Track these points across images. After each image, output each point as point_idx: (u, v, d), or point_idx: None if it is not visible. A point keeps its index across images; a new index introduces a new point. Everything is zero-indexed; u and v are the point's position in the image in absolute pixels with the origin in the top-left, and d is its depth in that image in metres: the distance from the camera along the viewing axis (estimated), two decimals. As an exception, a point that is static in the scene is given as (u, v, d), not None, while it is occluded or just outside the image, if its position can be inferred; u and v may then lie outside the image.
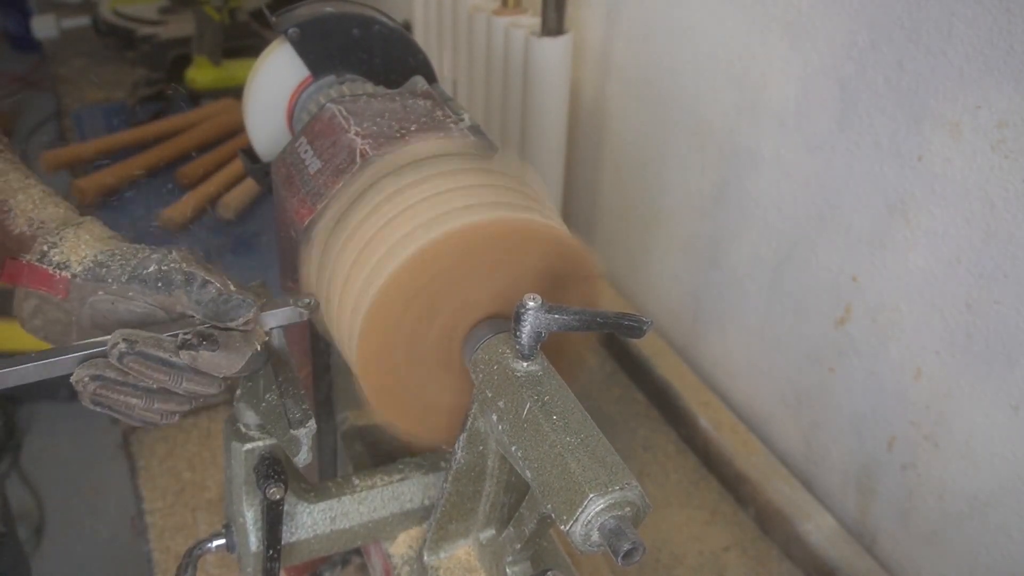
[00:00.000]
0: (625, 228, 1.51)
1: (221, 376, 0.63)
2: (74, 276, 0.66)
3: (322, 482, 0.77)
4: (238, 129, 1.83)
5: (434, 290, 0.65)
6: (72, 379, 0.61)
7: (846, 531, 1.10)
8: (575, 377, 0.69)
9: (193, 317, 0.64)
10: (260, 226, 1.69)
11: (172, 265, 0.65)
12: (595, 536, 0.52)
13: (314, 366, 0.85)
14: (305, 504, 0.74)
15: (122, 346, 0.60)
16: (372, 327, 0.65)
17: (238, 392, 0.70)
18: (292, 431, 0.62)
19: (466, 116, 0.80)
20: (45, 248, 0.67)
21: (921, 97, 0.92)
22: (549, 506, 0.54)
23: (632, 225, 1.49)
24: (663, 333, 1.44)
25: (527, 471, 0.56)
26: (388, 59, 0.91)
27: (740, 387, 1.30)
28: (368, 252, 0.67)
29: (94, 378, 0.61)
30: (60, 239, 0.67)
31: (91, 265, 0.66)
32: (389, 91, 0.86)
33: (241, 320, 0.64)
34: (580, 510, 0.52)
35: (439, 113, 0.80)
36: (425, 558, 0.74)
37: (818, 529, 1.10)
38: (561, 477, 0.54)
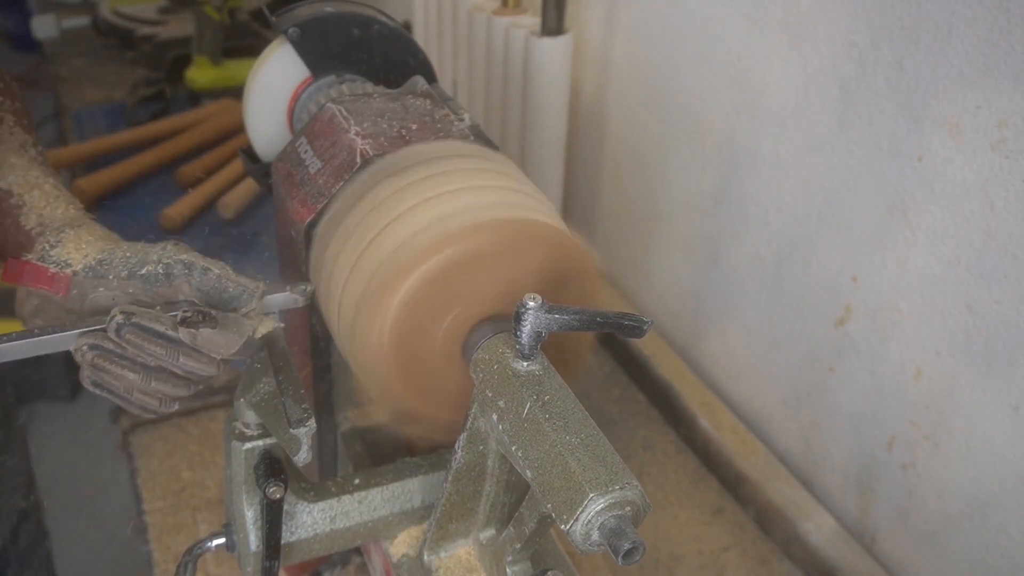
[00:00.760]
0: (625, 227, 1.51)
1: (219, 357, 0.63)
2: (75, 273, 0.66)
3: (322, 481, 0.77)
4: (238, 129, 1.83)
5: (443, 295, 0.65)
6: (71, 348, 0.62)
7: (846, 531, 1.10)
8: (576, 377, 0.69)
9: (195, 303, 0.65)
10: (260, 226, 1.69)
11: (171, 258, 0.66)
12: (595, 536, 0.52)
13: (314, 366, 0.85)
14: (305, 503, 0.74)
15: (119, 318, 0.61)
16: (377, 331, 0.65)
17: (238, 391, 0.70)
18: (292, 430, 0.62)
19: (466, 116, 0.80)
20: (47, 247, 0.67)
21: (921, 97, 0.92)
22: (549, 506, 0.54)
23: (632, 224, 1.49)
24: (663, 333, 1.44)
25: (527, 471, 0.56)
26: (388, 59, 0.91)
27: (740, 387, 1.30)
28: (369, 253, 0.67)
29: (92, 347, 0.61)
30: (61, 239, 0.68)
31: (92, 263, 0.66)
32: (389, 91, 0.86)
33: (244, 309, 0.64)
34: (580, 510, 0.52)
35: (439, 113, 0.80)
36: (425, 558, 0.74)
37: (818, 529, 1.10)
38: (561, 477, 0.54)
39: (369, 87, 0.89)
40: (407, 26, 1.79)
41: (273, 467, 0.69)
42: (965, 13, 0.85)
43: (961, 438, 0.95)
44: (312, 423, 0.62)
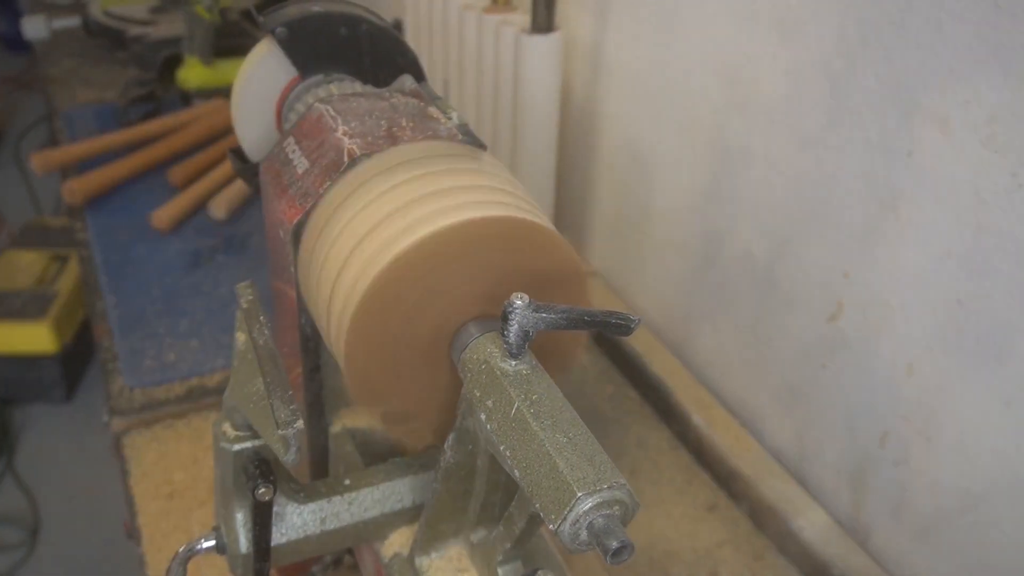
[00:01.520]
0: (617, 225, 1.51)
1: None
2: None
3: (312, 483, 0.77)
4: (229, 129, 1.83)
5: (423, 290, 0.65)
6: None
7: (839, 527, 1.10)
8: (567, 375, 0.69)
9: None
10: (252, 226, 1.69)
11: None
12: (584, 535, 0.52)
13: (304, 366, 0.84)
14: (295, 505, 0.74)
15: None
16: (359, 327, 0.65)
17: (226, 392, 0.70)
18: (279, 431, 0.62)
19: (455, 114, 0.79)
20: None
21: (911, 92, 0.92)
22: (538, 505, 0.54)
23: (624, 222, 1.48)
24: (655, 330, 1.44)
25: (515, 470, 0.56)
26: (377, 58, 0.91)
27: (733, 384, 1.30)
28: (357, 252, 0.67)
29: None
30: None
31: None
32: (377, 90, 0.86)
33: None
34: (568, 509, 0.51)
35: (427, 112, 0.79)
36: (416, 558, 0.74)
37: (811, 525, 1.10)
38: (549, 476, 0.53)
39: (357, 86, 0.89)
40: (398, 25, 1.79)
41: (262, 468, 0.69)
42: (954, 8, 0.85)
43: (953, 433, 0.95)
44: (299, 424, 0.62)
